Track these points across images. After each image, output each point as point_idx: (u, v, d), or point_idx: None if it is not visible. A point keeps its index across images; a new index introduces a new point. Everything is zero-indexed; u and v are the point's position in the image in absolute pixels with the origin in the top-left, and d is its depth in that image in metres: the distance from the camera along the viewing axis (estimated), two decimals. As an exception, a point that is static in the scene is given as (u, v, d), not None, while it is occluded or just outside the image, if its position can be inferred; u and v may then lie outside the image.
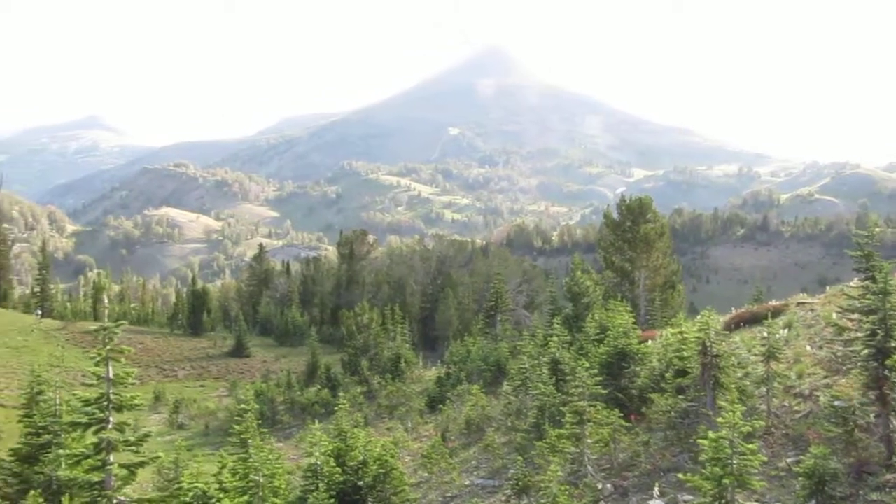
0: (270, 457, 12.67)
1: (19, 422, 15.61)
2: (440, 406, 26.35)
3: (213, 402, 44.01)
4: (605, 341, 20.01)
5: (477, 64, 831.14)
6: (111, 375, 10.52)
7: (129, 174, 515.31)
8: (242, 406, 13.29)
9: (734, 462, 9.01)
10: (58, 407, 12.64)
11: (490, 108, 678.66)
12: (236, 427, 13.14)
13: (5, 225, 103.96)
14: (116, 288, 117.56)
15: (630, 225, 41.49)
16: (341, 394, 31.59)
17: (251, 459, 12.13)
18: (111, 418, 10.38)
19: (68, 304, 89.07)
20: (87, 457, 10.44)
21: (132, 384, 10.70)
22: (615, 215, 43.07)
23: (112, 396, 10.38)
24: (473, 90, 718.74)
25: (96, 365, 10.45)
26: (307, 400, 35.80)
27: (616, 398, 16.99)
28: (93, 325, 71.01)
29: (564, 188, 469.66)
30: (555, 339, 22.49)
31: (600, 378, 15.60)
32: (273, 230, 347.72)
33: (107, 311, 10.82)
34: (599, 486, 13.62)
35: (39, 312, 71.80)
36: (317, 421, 19.22)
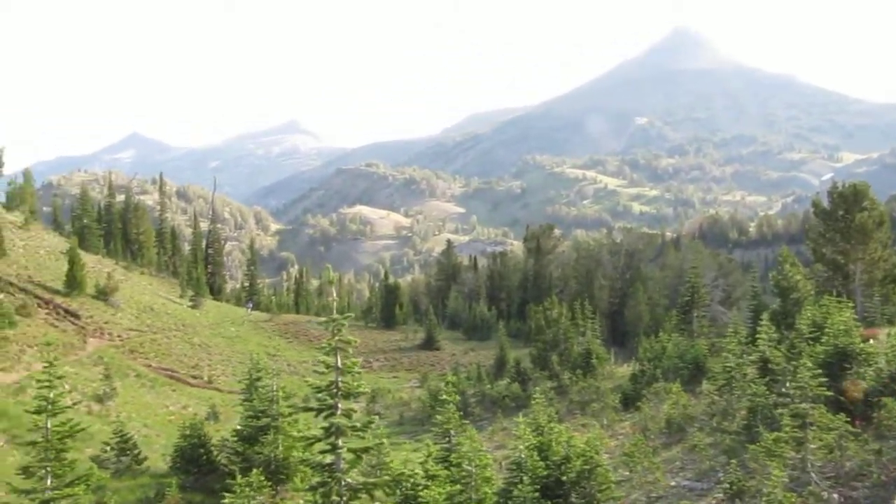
0: (476, 447, 12.75)
1: (240, 405, 16.85)
2: (636, 404, 25.47)
3: (406, 393, 45.51)
4: (821, 340, 18.32)
5: (664, 49, 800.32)
6: (339, 364, 11.05)
7: (325, 175, 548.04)
8: (444, 397, 13.43)
9: None
10: (274, 392, 13.44)
11: (679, 95, 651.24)
12: (439, 417, 13.31)
13: (218, 225, 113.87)
14: (315, 283, 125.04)
15: (843, 214, 37.86)
16: (532, 388, 31.44)
17: (463, 449, 12.32)
18: (339, 405, 10.89)
19: (273, 298, 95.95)
20: (319, 440, 11.07)
21: (358, 373, 11.17)
22: (825, 203, 39.52)
23: (340, 384, 10.90)
24: (661, 77, 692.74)
25: (326, 354, 11.01)
26: (497, 393, 35.99)
27: (837, 401, 15.48)
28: (301, 317, 76.03)
29: (762, 176, 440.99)
30: (763, 336, 20.94)
31: (822, 379, 14.26)
32: (459, 226, 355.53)
33: (335, 304, 11.33)
34: (825, 495, 12.42)
35: (251, 305, 77.81)
36: (510, 415, 19.16)
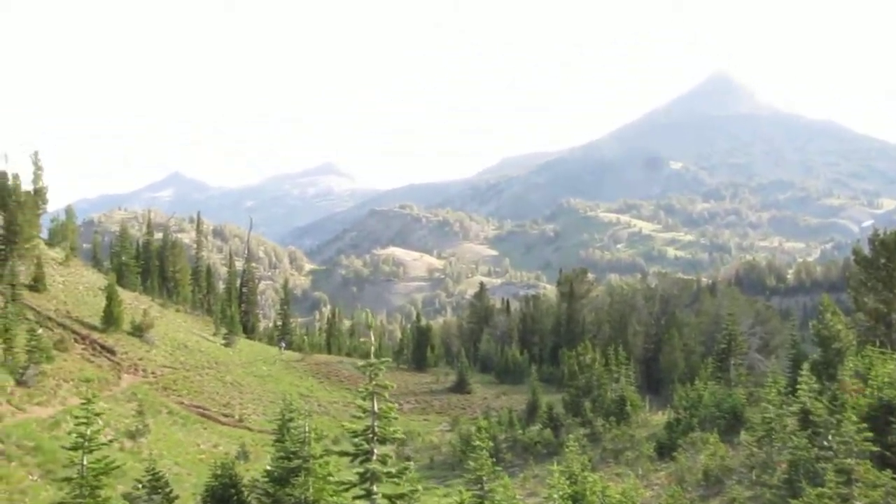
0: (510, 495, 12.51)
1: (270, 445, 16.80)
2: (672, 453, 24.88)
3: (436, 436, 45.08)
4: (865, 392, 17.79)
5: (701, 93, 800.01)
6: (376, 409, 11.03)
7: (359, 216, 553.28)
8: (477, 443, 13.25)
9: None
10: (306, 434, 13.39)
11: (715, 140, 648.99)
12: (471, 463, 13.12)
13: (253, 264, 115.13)
14: (347, 323, 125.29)
15: (885, 262, 37.01)
16: (565, 435, 30.95)
17: (496, 497, 12.10)
18: (375, 450, 10.82)
19: (305, 338, 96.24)
20: (354, 485, 10.99)
21: (394, 418, 11.12)
22: (866, 251, 38.71)
23: (376, 429, 10.85)
24: (697, 121, 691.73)
25: (363, 399, 10.98)
26: (529, 439, 35.47)
27: (883, 457, 14.95)
28: (333, 358, 76.07)
29: (800, 222, 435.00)
30: (804, 387, 20.40)
31: (867, 434, 13.79)
32: (492, 268, 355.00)
33: (373, 349, 11.36)
34: (871, 557, 11.92)
35: (283, 344, 78.13)
36: (542, 462, 18.77)
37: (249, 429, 44.12)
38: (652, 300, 76.86)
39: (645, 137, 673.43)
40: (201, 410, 45.59)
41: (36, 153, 65.35)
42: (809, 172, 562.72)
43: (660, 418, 35.76)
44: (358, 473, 10.95)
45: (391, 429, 11.06)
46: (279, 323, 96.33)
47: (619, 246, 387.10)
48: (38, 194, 63.58)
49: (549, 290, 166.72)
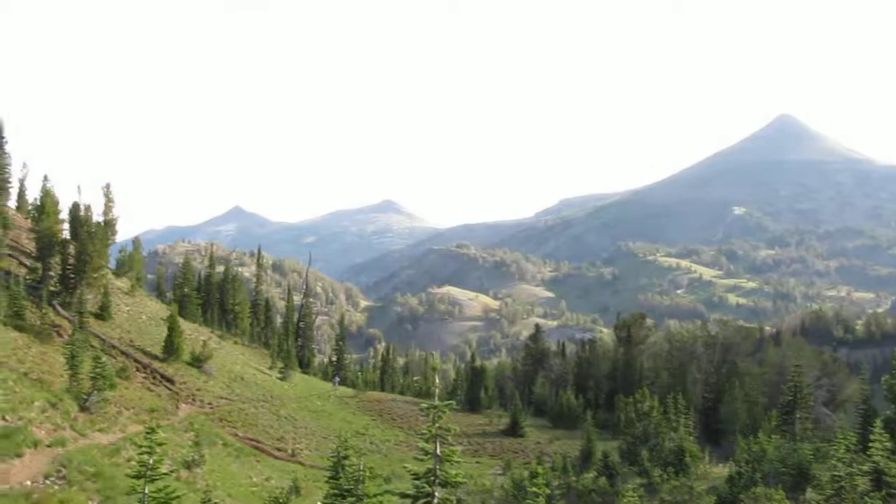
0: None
1: (324, 481, 16.79)
2: (732, 509, 24.00)
3: (488, 480, 44.41)
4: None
5: (766, 137, 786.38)
6: (438, 452, 10.95)
7: (416, 254, 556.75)
8: (534, 489, 13.00)
9: None
10: (361, 472, 13.33)
11: (780, 185, 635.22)
12: (526, 511, 12.87)
13: (310, 299, 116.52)
14: (401, 361, 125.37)
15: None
16: (620, 484, 30.15)
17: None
18: (437, 493, 10.71)
19: (359, 374, 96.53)
20: None
21: (457, 462, 11.00)
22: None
23: (439, 472, 10.75)
24: (761, 166, 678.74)
25: (426, 441, 10.91)
26: (584, 487, 34.67)
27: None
28: (387, 395, 76.00)
29: (870, 272, 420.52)
30: (876, 445, 19.49)
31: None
32: (548, 310, 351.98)
33: (437, 391, 11.30)
34: None
35: (338, 380, 78.43)
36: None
37: (302, 464, 44.21)
38: (712, 348, 74.90)
39: (707, 181, 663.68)
40: (255, 443, 45.93)
41: (107, 185, 67.75)
42: (879, 220, 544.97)
43: (720, 471, 34.61)
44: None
45: (454, 472, 10.93)
46: (334, 358, 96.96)
47: (678, 291, 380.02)
48: (108, 225, 65.78)
49: (606, 334, 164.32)
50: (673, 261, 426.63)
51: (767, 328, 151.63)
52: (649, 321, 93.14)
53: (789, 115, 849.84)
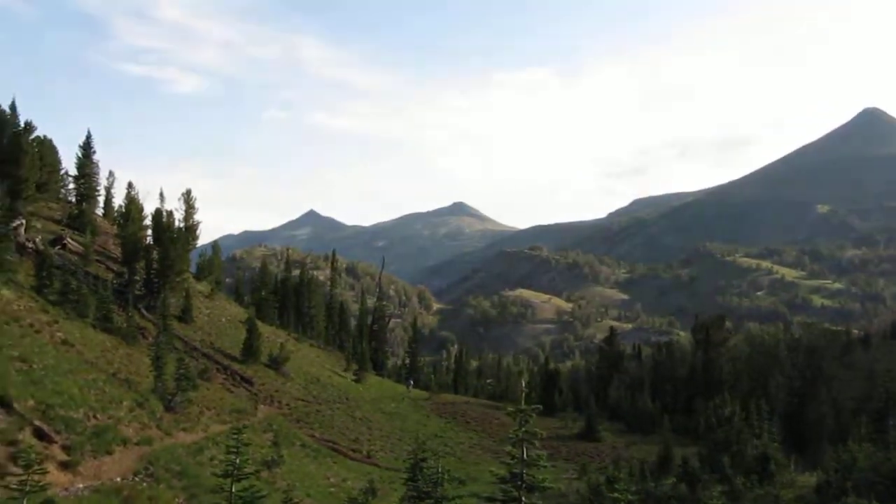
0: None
1: (402, 483, 16.86)
2: (822, 519, 23.03)
3: (563, 484, 43.88)
4: None
5: (850, 133, 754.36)
6: (525, 457, 10.90)
7: (487, 256, 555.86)
8: (616, 495, 12.75)
9: None
10: (439, 475, 13.33)
11: (868, 183, 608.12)
12: (607, 518, 12.63)
13: (384, 302, 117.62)
14: (474, 363, 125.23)
15: None
16: (701, 491, 29.34)
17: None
18: (523, 498, 10.66)
19: (432, 377, 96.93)
20: None
21: (544, 466, 10.92)
22: None
23: (525, 476, 10.70)
24: (846, 163, 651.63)
25: (513, 446, 10.86)
26: (662, 493, 33.91)
27: None
28: (460, 398, 76.07)
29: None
30: (979, 454, 18.40)
31: None
32: (622, 313, 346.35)
33: (524, 395, 11.25)
34: None
35: (411, 382, 79.00)
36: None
37: (377, 465, 44.65)
38: (796, 351, 72.26)
39: (787, 179, 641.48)
40: (332, 444, 46.64)
41: (188, 191, 70.10)
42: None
43: (806, 479, 33.36)
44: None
45: (540, 477, 10.83)
46: (407, 361, 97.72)
47: (758, 293, 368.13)
48: (189, 231, 68.05)
49: (683, 337, 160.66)
50: (753, 261, 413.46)
51: (855, 331, 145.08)
52: (728, 324, 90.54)
53: (876, 109, 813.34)
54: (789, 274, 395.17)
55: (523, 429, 10.88)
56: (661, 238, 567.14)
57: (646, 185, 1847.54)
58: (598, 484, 32.90)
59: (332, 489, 34.24)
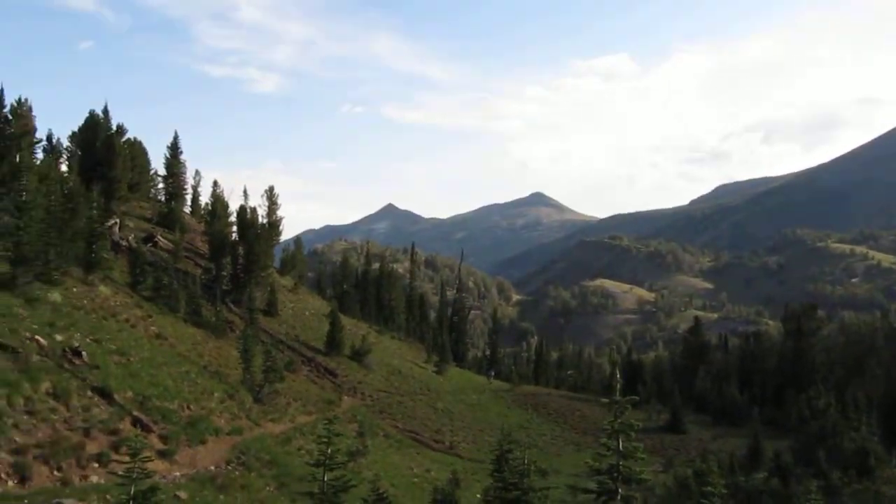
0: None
1: (489, 475, 16.89)
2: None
3: (648, 476, 43.14)
4: None
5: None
6: (621, 448, 10.80)
7: (567, 247, 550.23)
8: (709, 488, 12.45)
9: None
10: (525, 466, 13.30)
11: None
12: (699, 512, 12.34)
13: (463, 294, 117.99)
14: (554, 355, 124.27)
15: None
16: (794, 486, 28.32)
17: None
18: (620, 490, 10.57)
19: (513, 368, 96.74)
20: None
21: (641, 458, 10.80)
22: None
23: (621, 468, 10.60)
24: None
25: (608, 437, 10.78)
26: (752, 487, 32.90)
27: None
28: (541, 389, 75.78)
29: None
30: None
31: None
32: (707, 302, 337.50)
33: (619, 386, 11.13)
34: None
35: (492, 373, 79.05)
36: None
37: (460, 456, 44.87)
38: (895, 340, 68.91)
39: (882, 160, 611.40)
40: (414, 435, 47.11)
41: (271, 188, 71.75)
42: None
43: (910, 475, 31.76)
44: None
45: (637, 469, 10.68)
46: (488, 352, 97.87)
47: (853, 280, 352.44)
48: (273, 226, 69.74)
49: (772, 327, 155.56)
50: (846, 247, 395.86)
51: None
52: (820, 312, 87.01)
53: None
54: (886, 259, 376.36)
55: (619, 420, 10.71)
56: (746, 225, 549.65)
57: (729, 170, 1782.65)
58: (685, 477, 32.17)
59: (416, 479, 34.60)
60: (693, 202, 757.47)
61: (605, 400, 11.38)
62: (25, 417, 20.60)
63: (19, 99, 47.99)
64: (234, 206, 66.81)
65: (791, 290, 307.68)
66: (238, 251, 62.28)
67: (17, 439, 19.33)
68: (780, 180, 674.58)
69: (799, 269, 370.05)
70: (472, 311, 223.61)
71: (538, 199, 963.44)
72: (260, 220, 67.45)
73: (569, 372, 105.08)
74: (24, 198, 34.01)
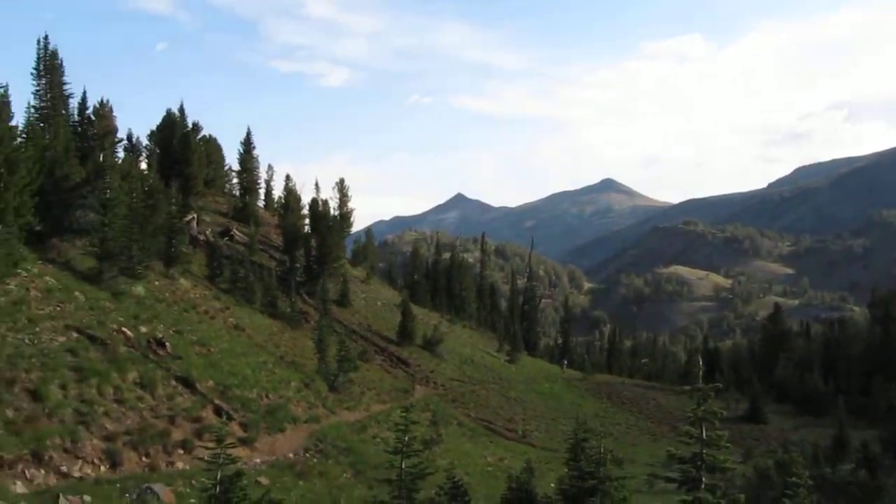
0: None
1: (563, 463, 16.79)
2: None
3: (734, 466, 42.17)
4: None
5: None
6: (705, 436, 10.64)
7: (639, 233, 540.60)
8: (794, 479, 12.09)
9: None
10: (602, 455, 13.18)
11: None
12: (787, 501, 12.00)
13: (533, 282, 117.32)
14: (628, 343, 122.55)
15: None
16: (884, 477, 27.23)
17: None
18: (704, 478, 10.40)
19: (585, 357, 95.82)
20: None
21: (725, 447, 10.61)
22: None
23: (705, 457, 10.43)
24: None
25: (691, 425, 10.63)
26: (839, 479, 31.76)
27: None
28: (614, 378, 74.98)
29: None
30: None
31: None
32: (787, 288, 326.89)
33: (700, 373, 10.95)
34: None
35: (566, 362, 78.50)
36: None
37: (532, 445, 44.74)
38: None
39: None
40: (487, 424, 47.19)
41: (341, 181, 72.78)
42: None
43: None
44: (682, 502, 10.47)
45: (722, 457, 10.48)
46: (559, 341, 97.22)
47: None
48: (344, 218, 70.79)
49: (858, 314, 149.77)
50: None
51: None
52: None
53: None
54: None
55: (702, 407, 10.48)
56: (828, 207, 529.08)
57: (810, 151, 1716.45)
58: (766, 468, 31.31)
59: (490, 468, 34.66)
60: (771, 185, 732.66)
61: (685, 388, 11.15)
62: (115, 406, 21.47)
63: (101, 100, 49.72)
64: (305, 199, 68.10)
65: (877, 274, 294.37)
66: (311, 243, 63.41)
67: (108, 426, 20.17)
68: (865, 160, 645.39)
69: (886, 252, 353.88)
70: (543, 300, 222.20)
71: (608, 186, 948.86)
72: (331, 212, 68.57)
73: (643, 360, 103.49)
74: (107, 195, 35.33)
